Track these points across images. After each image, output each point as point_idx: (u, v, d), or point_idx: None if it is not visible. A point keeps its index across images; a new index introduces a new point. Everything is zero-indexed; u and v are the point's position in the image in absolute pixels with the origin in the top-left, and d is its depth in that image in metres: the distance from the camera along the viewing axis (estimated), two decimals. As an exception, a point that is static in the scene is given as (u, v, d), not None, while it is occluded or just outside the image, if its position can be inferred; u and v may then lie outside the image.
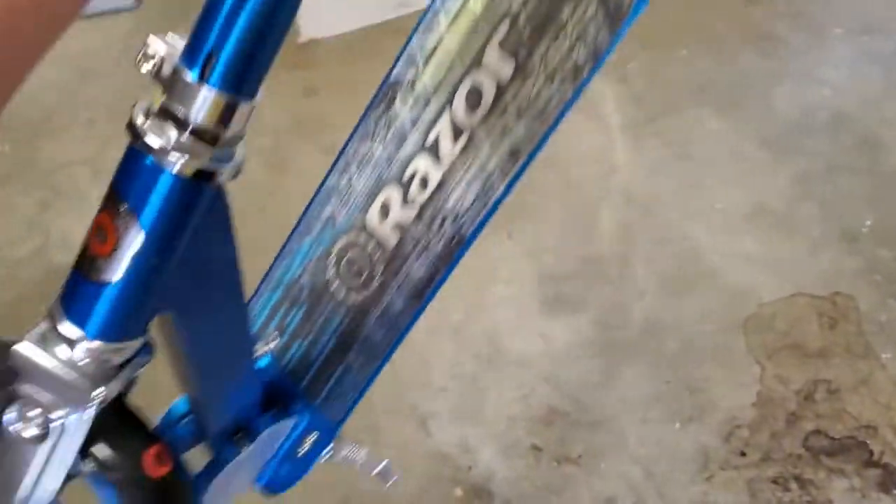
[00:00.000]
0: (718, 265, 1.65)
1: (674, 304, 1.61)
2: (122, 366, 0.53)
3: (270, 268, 0.68)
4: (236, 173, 0.48)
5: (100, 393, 0.52)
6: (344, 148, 0.61)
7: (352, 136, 0.61)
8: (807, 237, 1.65)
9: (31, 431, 0.53)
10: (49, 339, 0.51)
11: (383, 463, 0.76)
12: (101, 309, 0.49)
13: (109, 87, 2.16)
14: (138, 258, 0.47)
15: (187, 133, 0.44)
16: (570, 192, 1.82)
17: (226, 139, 0.46)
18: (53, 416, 0.52)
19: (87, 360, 0.51)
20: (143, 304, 0.50)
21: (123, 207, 0.46)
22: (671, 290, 1.63)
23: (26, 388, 0.52)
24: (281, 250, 0.66)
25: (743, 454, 1.40)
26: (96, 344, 0.50)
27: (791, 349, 1.51)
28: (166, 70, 0.44)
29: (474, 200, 0.57)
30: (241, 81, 0.45)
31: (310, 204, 0.64)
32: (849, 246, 1.62)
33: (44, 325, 0.52)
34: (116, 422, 0.58)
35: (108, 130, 2.00)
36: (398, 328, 0.63)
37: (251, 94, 0.46)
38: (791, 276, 1.60)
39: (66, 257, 1.84)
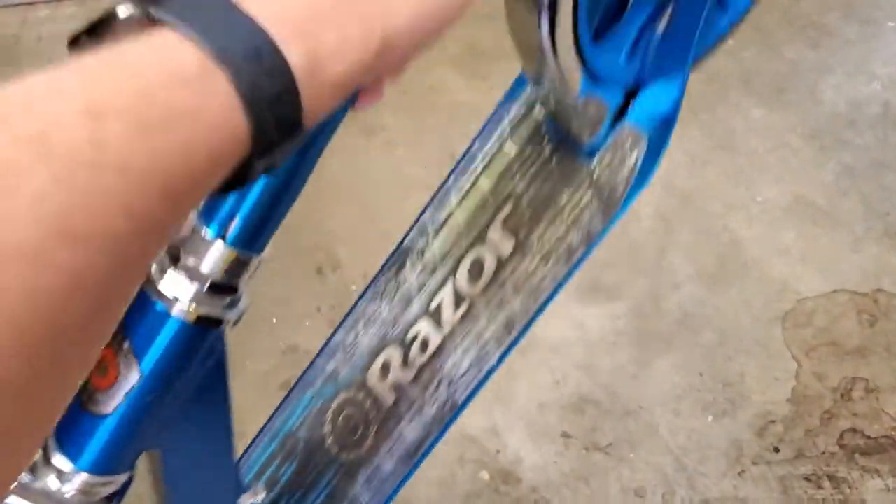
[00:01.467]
0: (758, 258, 1.62)
1: (711, 296, 1.59)
2: (108, 498, 0.53)
3: (270, 418, 0.69)
4: (239, 318, 0.50)
5: None
6: (355, 305, 0.64)
7: (363, 294, 0.64)
8: (849, 232, 1.62)
9: None
10: (40, 468, 0.51)
11: None
12: (94, 442, 0.50)
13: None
14: (134, 395, 0.48)
15: (200, 285, 0.47)
16: (609, 180, 1.80)
17: (236, 290, 0.48)
18: None
19: (75, 492, 0.51)
20: (136, 440, 0.51)
21: (126, 345, 0.47)
22: (709, 282, 1.61)
23: None
24: (282, 402, 0.67)
25: (776, 450, 1.38)
26: (85, 476, 0.51)
27: (829, 346, 1.49)
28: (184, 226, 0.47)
29: (469, 367, 0.60)
30: (256, 240, 0.48)
31: (317, 356, 0.66)
32: (892, 242, 1.59)
33: (36, 454, 0.52)
34: None
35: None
36: (385, 492, 0.64)
37: (262, 250, 0.49)
38: (832, 271, 1.58)
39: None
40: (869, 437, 1.38)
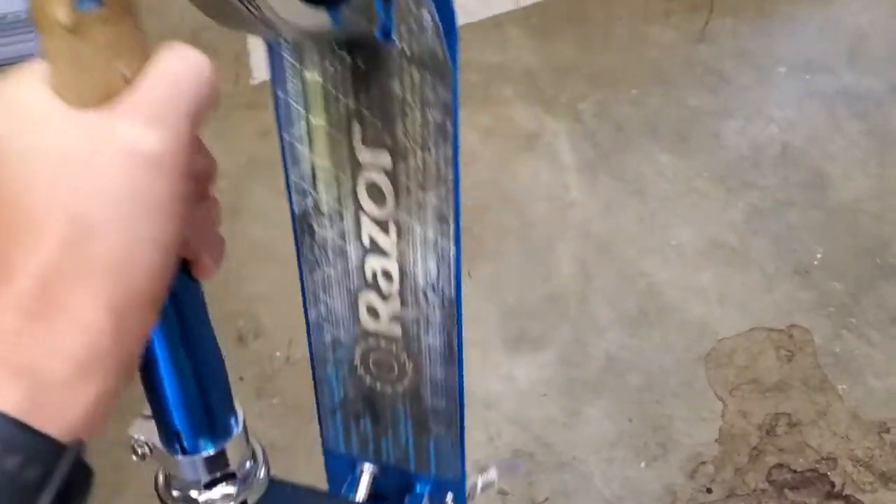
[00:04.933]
0: (677, 301, 1.66)
1: (634, 341, 1.62)
2: None
3: (316, 400, 0.71)
4: None
5: None
6: (302, 286, 0.64)
7: (301, 273, 0.63)
8: (761, 271, 1.68)
9: None
10: None
11: (507, 465, 0.82)
12: None
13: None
14: None
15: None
16: (528, 231, 1.82)
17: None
18: None
19: None
20: None
21: None
22: (631, 327, 1.64)
23: None
24: (314, 380, 0.69)
25: (709, 490, 1.40)
26: None
27: (751, 383, 1.53)
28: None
29: (438, 266, 0.59)
30: None
31: (309, 340, 0.68)
32: (802, 279, 1.66)
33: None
34: None
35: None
36: (453, 389, 0.66)
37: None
38: (748, 310, 1.63)
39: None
40: (795, 472, 1.42)
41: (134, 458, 0.52)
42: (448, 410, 0.68)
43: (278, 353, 1.65)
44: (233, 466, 0.53)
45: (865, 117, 1.90)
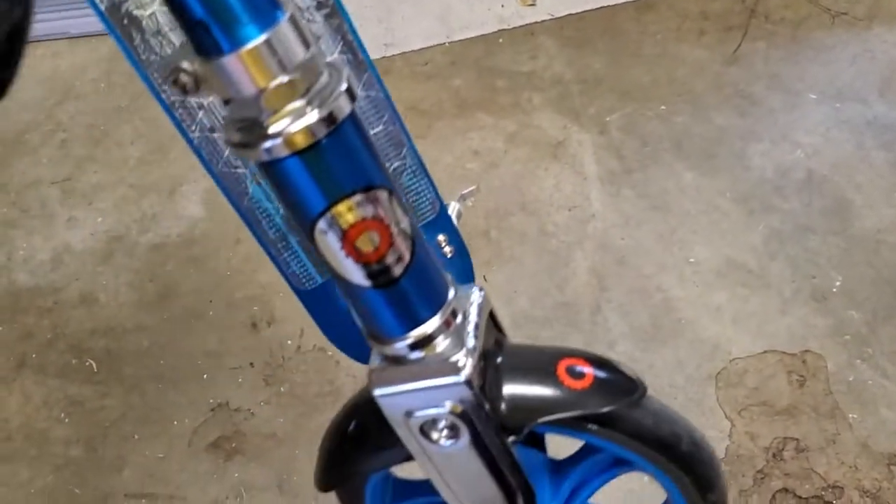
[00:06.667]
0: (691, 318, 1.65)
1: (645, 355, 1.61)
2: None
3: (261, 242, 0.70)
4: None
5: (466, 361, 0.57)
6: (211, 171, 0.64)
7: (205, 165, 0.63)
8: (778, 294, 1.67)
9: (449, 439, 0.59)
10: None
11: (462, 196, 0.83)
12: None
13: (86, 108, 2.13)
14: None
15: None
16: (546, 239, 1.82)
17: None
18: (449, 410, 0.57)
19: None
20: None
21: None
22: (643, 341, 1.63)
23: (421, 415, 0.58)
24: (248, 224, 0.69)
25: (711, 510, 1.39)
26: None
27: (760, 406, 1.52)
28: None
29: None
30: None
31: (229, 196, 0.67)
32: (819, 305, 1.64)
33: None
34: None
35: (81, 152, 1.98)
36: (383, 104, 0.69)
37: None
38: (762, 332, 1.61)
39: (29, 278, 1.79)
40: (801, 498, 1.40)
41: (176, 91, 0.42)
42: (392, 135, 0.68)
43: (290, 342, 1.65)
44: (287, 65, 0.42)
45: (894, 148, 1.89)
